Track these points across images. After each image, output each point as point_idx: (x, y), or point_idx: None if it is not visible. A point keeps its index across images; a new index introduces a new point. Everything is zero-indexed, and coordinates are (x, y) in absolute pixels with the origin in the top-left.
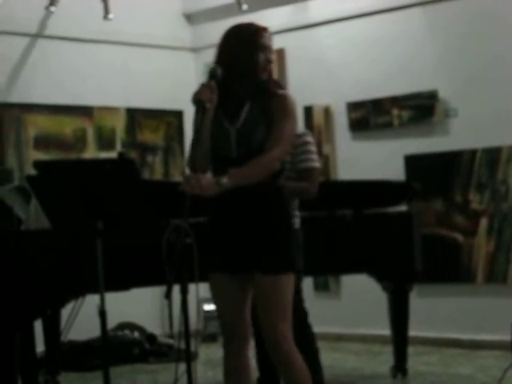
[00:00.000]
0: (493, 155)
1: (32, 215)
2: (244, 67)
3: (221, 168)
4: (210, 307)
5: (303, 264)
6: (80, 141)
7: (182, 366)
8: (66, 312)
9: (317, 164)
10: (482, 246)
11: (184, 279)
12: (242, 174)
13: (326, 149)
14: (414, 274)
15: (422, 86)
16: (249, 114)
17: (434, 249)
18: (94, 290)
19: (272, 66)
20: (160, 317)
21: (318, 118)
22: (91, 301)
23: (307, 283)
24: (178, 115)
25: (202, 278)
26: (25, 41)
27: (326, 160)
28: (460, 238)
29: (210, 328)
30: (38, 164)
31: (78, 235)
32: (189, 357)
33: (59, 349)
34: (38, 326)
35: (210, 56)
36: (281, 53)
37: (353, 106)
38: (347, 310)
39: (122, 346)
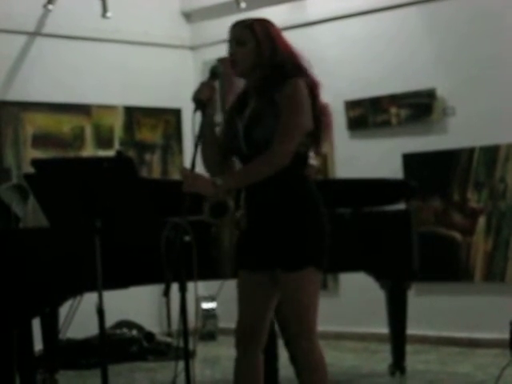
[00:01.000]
0: (491, 154)
1: (30, 213)
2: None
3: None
4: (208, 305)
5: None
6: (78, 139)
7: (181, 364)
8: (64, 310)
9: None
10: (480, 244)
11: (182, 277)
12: (239, 176)
13: (324, 147)
14: (412, 272)
15: (420, 84)
16: (254, 108)
17: (432, 247)
18: (92, 288)
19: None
20: (158, 315)
21: None
22: (89, 299)
23: None
24: (177, 113)
25: (201, 276)
26: (23, 39)
27: (324, 158)
28: (458, 236)
29: (209, 326)
30: (35, 162)
31: (76, 233)
32: (187, 355)
33: (57, 347)
34: (36, 324)
35: (208, 54)
36: None
37: (351, 105)
38: (345, 308)
39: (120, 344)
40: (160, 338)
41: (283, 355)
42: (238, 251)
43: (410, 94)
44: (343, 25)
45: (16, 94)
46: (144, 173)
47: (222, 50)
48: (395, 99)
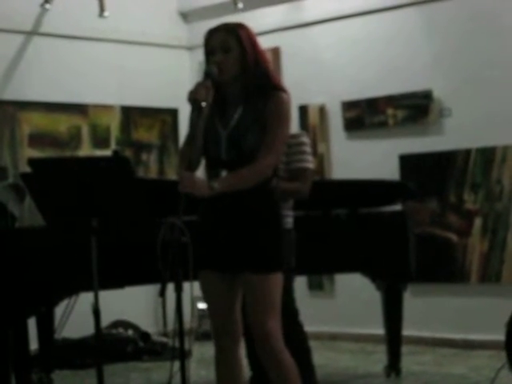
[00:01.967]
0: (487, 155)
1: (26, 213)
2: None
3: (212, 168)
4: (203, 305)
5: (295, 264)
6: (75, 139)
7: (176, 364)
8: (59, 310)
9: (310, 165)
10: (476, 245)
11: (178, 277)
12: (233, 181)
13: (320, 148)
14: (407, 273)
15: (416, 85)
16: (241, 117)
17: (428, 248)
18: (88, 287)
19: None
20: (154, 315)
21: (312, 117)
22: (85, 299)
23: (302, 282)
24: (173, 113)
25: (197, 276)
26: (20, 38)
27: (320, 159)
28: (454, 237)
29: (204, 326)
30: (32, 162)
31: (72, 233)
32: (183, 355)
33: (53, 346)
34: (32, 323)
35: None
36: (276, 52)
37: (348, 106)
38: (341, 309)
39: (115, 344)
40: (156, 337)
41: None
42: (202, 251)
43: (406, 96)
44: (340, 26)
45: (13, 93)
46: (140, 173)
47: None
48: (392, 100)
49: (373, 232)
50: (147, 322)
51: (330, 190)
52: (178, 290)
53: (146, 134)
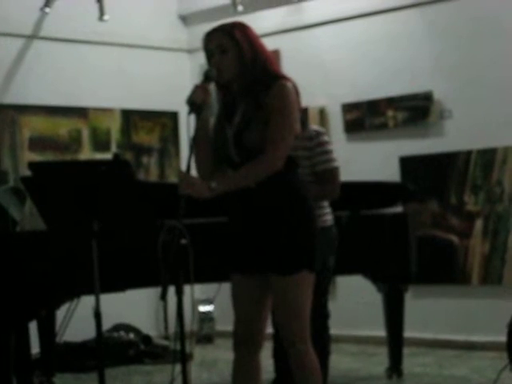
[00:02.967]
0: (488, 157)
1: (27, 216)
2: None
3: (222, 169)
4: (204, 308)
5: (334, 264)
6: (75, 142)
7: (178, 368)
8: (61, 313)
9: (337, 164)
10: (477, 247)
11: (179, 280)
12: (233, 179)
13: None
14: (409, 275)
15: (417, 87)
16: (243, 114)
17: (429, 250)
18: (89, 291)
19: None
20: (155, 318)
21: (313, 119)
22: (86, 302)
23: None
24: (174, 116)
25: (198, 279)
26: (20, 42)
27: None
28: (455, 239)
29: (205, 329)
30: (32, 165)
31: (73, 236)
32: (184, 358)
33: (54, 350)
34: (33, 327)
35: (205, 58)
36: (276, 54)
37: (348, 108)
38: (342, 310)
39: (117, 348)
40: (157, 341)
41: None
42: (231, 254)
43: (407, 97)
44: (340, 28)
45: (13, 97)
46: (141, 176)
47: None
48: (392, 102)
49: (374, 234)
50: (148, 325)
51: None
52: (179, 293)
53: (147, 137)
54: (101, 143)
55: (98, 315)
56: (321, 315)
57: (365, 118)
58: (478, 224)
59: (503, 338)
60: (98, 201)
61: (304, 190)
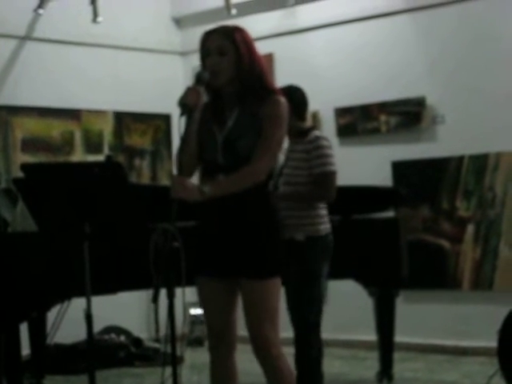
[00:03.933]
0: (480, 162)
1: (18, 218)
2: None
3: (208, 173)
4: (196, 311)
5: (328, 272)
6: (68, 144)
7: (168, 370)
8: (52, 315)
9: (333, 168)
10: (469, 252)
11: (170, 283)
12: (224, 185)
13: None
14: (400, 279)
15: (409, 92)
16: (237, 120)
17: (421, 255)
18: (80, 293)
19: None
20: (146, 321)
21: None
22: (77, 304)
23: None
24: (166, 119)
25: (189, 282)
26: (13, 43)
27: None
28: (446, 244)
29: (196, 332)
30: (25, 167)
31: (64, 238)
32: (174, 361)
33: (45, 352)
34: (24, 328)
35: (198, 60)
36: (269, 58)
37: (341, 112)
38: (334, 315)
39: (107, 350)
40: (148, 343)
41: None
42: (201, 257)
43: (399, 102)
44: (334, 32)
45: (6, 98)
46: (133, 178)
47: None
48: (385, 107)
49: (365, 238)
50: (139, 327)
51: None
52: (170, 296)
53: (139, 140)
54: (93, 145)
55: (89, 317)
56: (307, 326)
57: (357, 122)
58: (470, 229)
59: (494, 344)
60: (90, 203)
61: (273, 200)
